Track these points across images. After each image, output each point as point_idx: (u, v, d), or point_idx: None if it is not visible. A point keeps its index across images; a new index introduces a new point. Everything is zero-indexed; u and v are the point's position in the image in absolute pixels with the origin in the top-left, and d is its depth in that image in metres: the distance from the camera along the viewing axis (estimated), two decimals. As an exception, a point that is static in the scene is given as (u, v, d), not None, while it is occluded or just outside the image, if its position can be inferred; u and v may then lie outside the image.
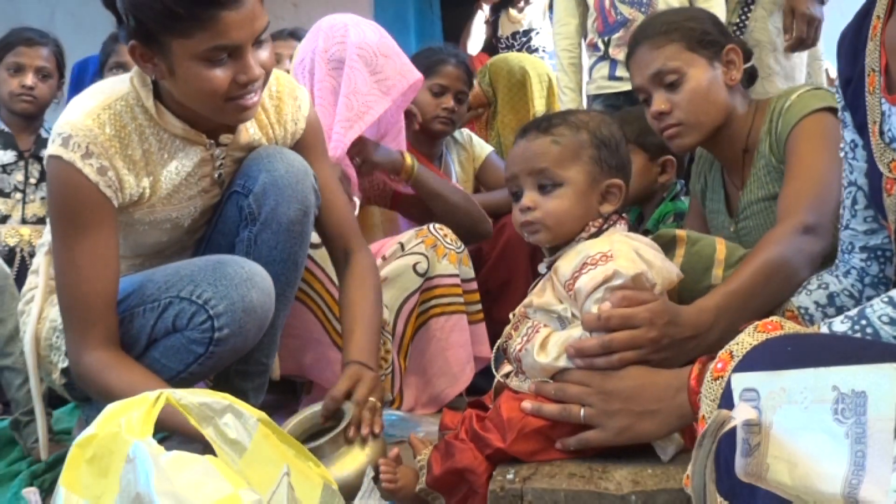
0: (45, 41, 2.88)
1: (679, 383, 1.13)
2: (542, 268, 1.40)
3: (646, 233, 1.86)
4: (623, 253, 1.27)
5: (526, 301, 1.38)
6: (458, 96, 2.52)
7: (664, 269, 1.31)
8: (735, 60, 1.69)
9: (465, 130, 2.77)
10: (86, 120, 1.46)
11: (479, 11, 4.70)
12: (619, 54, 2.64)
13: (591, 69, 2.80)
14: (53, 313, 1.59)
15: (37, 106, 2.85)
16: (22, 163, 2.82)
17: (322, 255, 1.86)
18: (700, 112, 1.67)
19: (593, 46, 2.76)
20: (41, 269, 1.63)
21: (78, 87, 3.30)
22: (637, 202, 2.36)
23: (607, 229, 1.35)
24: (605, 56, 2.71)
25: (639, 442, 1.20)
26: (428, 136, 2.52)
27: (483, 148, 2.71)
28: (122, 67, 2.79)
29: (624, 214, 1.42)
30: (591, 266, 1.26)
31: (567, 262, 1.31)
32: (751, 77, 1.79)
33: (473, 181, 2.69)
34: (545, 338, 1.28)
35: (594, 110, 2.56)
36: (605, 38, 2.69)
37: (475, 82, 3.29)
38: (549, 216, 1.35)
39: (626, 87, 2.64)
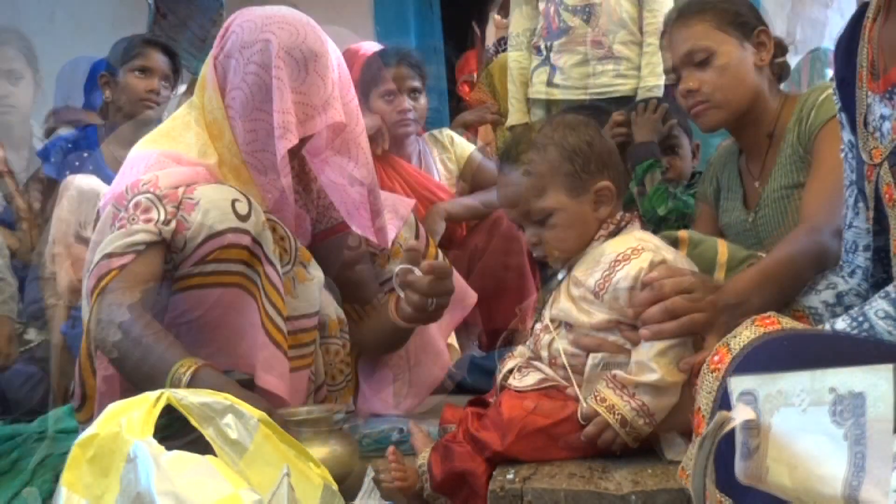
0: (6, 39, 2.59)
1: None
2: (560, 274, 1.40)
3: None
4: (652, 244, 1.31)
5: (542, 315, 1.38)
6: (411, 94, 2.49)
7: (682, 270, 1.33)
8: (766, 42, 1.71)
9: (446, 130, 2.74)
10: None
11: None
12: (559, 60, 2.69)
13: (532, 72, 2.82)
14: None
15: (18, 115, 2.60)
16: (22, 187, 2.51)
17: (266, 238, 1.61)
18: (728, 90, 1.69)
19: (537, 49, 2.79)
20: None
21: (70, 89, 3.10)
22: None
23: (625, 227, 1.36)
24: (546, 61, 2.74)
25: None
26: (396, 141, 2.51)
27: (465, 147, 2.68)
28: (147, 71, 2.59)
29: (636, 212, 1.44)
30: (623, 262, 1.28)
31: (586, 268, 1.31)
32: (782, 73, 1.80)
33: (458, 180, 2.67)
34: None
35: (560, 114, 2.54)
36: (548, 43, 2.73)
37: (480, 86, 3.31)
38: (553, 246, 1.37)
39: (563, 95, 2.70)
